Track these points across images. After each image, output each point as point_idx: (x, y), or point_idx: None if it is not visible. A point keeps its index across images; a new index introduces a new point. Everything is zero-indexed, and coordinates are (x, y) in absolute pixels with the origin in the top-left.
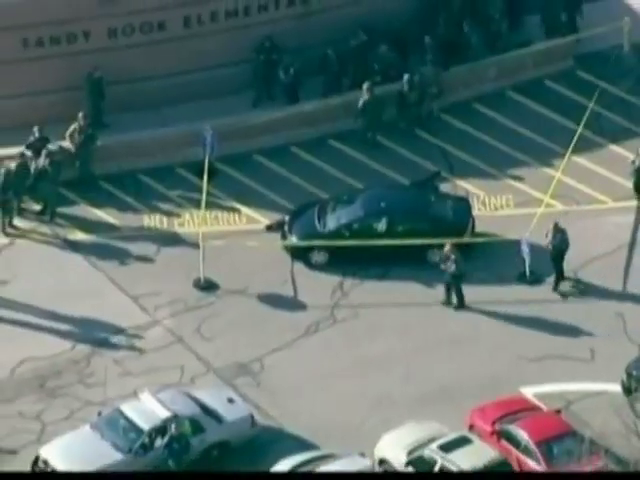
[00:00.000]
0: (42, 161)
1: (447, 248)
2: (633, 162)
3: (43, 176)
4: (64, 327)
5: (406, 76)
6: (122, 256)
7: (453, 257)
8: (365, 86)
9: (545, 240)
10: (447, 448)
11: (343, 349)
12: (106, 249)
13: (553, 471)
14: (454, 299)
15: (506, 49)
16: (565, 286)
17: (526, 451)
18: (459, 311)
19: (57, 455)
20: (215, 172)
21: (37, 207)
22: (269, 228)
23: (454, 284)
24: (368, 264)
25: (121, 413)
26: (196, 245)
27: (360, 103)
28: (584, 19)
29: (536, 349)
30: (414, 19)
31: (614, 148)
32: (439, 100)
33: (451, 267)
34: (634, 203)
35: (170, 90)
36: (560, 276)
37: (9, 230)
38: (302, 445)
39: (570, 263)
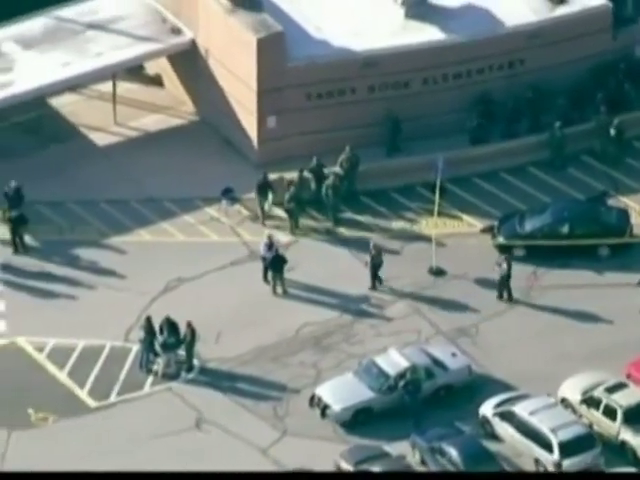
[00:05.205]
0: (330, 180)
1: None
2: None
3: (329, 191)
4: (334, 300)
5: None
6: None
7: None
8: (556, 126)
9: (497, 268)
10: (610, 390)
11: (536, 318)
12: (364, 244)
13: None
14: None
15: None
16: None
17: None
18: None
19: (328, 393)
20: (444, 190)
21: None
22: (483, 231)
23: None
24: (554, 257)
25: (374, 363)
26: (430, 242)
27: (550, 139)
28: None
29: None
30: (588, 79)
31: None
32: (618, 140)
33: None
34: None
35: (413, 130)
36: (509, 293)
37: (295, 231)
38: (505, 387)
39: None
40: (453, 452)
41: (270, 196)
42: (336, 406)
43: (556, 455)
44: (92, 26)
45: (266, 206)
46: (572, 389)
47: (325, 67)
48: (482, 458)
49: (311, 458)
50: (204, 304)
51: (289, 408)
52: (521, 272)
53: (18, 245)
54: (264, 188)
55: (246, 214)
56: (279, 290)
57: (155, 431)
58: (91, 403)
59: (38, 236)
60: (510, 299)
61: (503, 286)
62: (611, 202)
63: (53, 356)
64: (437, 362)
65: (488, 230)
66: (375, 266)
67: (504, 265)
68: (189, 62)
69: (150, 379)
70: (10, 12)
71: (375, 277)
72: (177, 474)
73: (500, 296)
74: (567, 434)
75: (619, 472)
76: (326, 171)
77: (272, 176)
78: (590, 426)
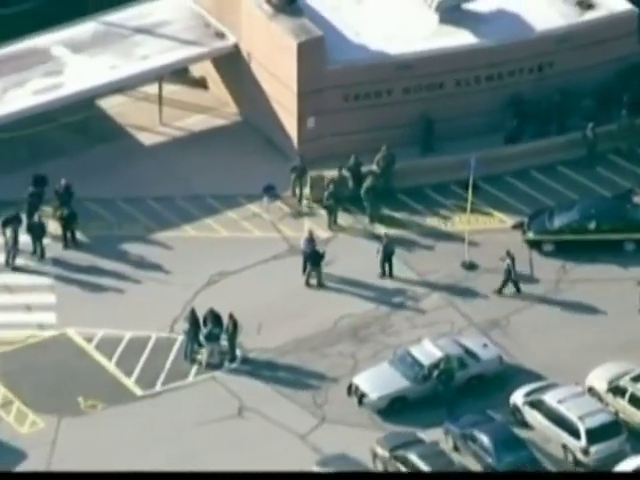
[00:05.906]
0: (369, 181)
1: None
2: None
3: (370, 192)
4: (370, 293)
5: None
6: (412, 245)
7: None
8: (589, 126)
9: (501, 263)
10: (636, 380)
11: (564, 310)
12: (399, 240)
13: None
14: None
15: None
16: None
17: None
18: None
19: (365, 382)
20: (477, 187)
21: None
22: (514, 227)
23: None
24: (582, 252)
25: (409, 353)
26: (463, 238)
27: (583, 140)
28: None
29: None
30: (615, 82)
31: None
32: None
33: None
34: None
35: (447, 130)
36: (506, 283)
37: (334, 227)
38: (535, 377)
39: None
40: (485, 439)
41: (308, 187)
42: (373, 394)
43: (583, 441)
44: (139, 30)
45: (304, 202)
46: (599, 379)
47: (362, 70)
48: (512, 444)
49: (348, 444)
50: (246, 297)
51: (327, 396)
52: (550, 266)
53: (69, 240)
54: (299, 171)
55: (287, 210)
56: (313, 282)
57: (199, 418)
58: (137, 392)
59: (87, 232)
60: (510, 291)
61: (507, 281)
62: (637, 199)
63: (101, 346)
64: (469, 352)
65: (518, 226)
66: (387, 255)
67: (507, 260)
68: (232, 65)
69: (194, 369)
70: (61, 17)
71: (386, 265)
72: (179, 474)
73: (500, 291)
74: (594, 421)
75: (618, 472)
76: (364, 169)
77: (312, 174)
78: (616, 414)
